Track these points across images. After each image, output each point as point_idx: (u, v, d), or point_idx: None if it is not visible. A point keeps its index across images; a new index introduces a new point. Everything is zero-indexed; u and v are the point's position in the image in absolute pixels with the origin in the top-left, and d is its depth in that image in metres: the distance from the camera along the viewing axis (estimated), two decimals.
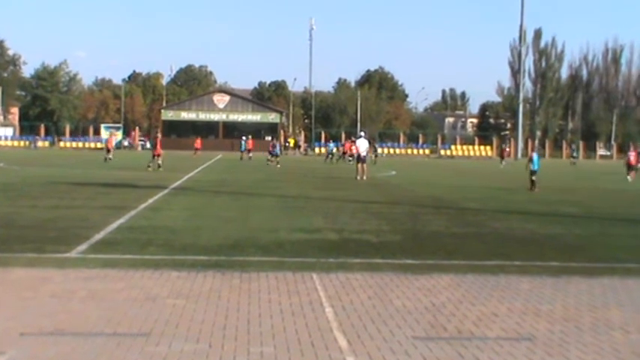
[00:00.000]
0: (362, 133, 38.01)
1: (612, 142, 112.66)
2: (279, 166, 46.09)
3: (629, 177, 38.30)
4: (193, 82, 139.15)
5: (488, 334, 6.72)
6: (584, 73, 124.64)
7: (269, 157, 50.64)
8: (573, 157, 74.40)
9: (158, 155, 36.85)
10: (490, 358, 5.95)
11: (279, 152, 53.02)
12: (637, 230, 16.03)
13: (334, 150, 61.55)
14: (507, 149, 76.47)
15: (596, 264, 10.95)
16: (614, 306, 8.02)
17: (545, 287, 8.94)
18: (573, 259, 11.24)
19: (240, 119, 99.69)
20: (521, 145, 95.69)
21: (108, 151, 49.81)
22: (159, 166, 35.94)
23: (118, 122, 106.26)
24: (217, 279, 8.85)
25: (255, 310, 7.34)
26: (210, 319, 6.96)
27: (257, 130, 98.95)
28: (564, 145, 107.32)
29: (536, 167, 28.28)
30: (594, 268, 10.53)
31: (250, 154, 58.86)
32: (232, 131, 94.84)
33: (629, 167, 39.44)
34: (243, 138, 61.62)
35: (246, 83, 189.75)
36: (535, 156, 29.14)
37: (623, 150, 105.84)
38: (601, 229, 15.95)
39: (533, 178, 28.04)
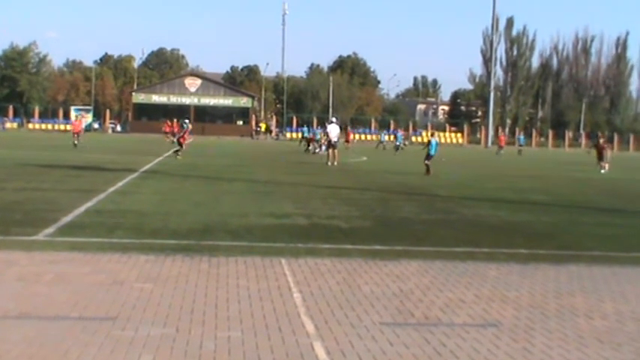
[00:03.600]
0: (333, 119, 38.00)
1: (581, 130, 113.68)
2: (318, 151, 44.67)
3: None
4: (165, 66, 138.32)
5: (455, 320, 6.77)
6: (555, 62, 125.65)
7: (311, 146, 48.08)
8: (499, 147, 65.91)
9: (181, 142, 35.33)
10: (456, 344, 5.99)
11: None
12: (603, 218, 16.20)
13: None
14: (503, 137, 74.05)
15: (564, 251, 11.06)
16: (579, 293, 8.12)
17: (512, 274, 9.02)
18: (541, 247, 11.35)
19: (211, 103, 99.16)
20: (491, 133, 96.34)
21: (75, 134, 44.46)
22: (177, 153, 34.25)
23: (89, 105, 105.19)
24: (186, 263, 8.82)
25: (223, 295, 7.33)
26: (178, 303, 6.93)
27: (229, 114, 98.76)
28: (534, 134, 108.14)
29: (433, 152, 28.28)
30: (561, 255, 10.64)
31: (174, 138, 51.56)
32: (204, 115, 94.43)
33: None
34: (186, 121, 55.75)
35: (219, 67, 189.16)
36: (433, 141, 29.04)
37: (591, 139, 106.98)
38: (569, 217, 16.12)
39: (427, 162, 28.06)
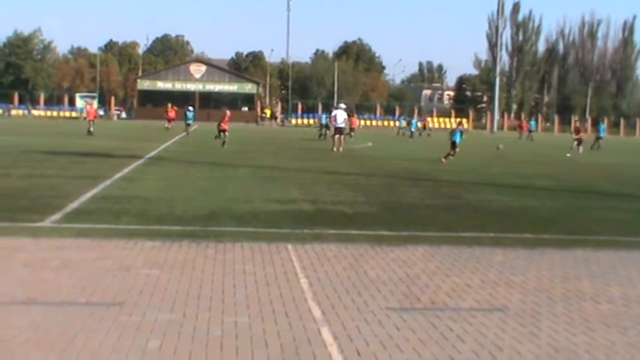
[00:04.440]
0: (342, 105, 37.78)
1: (587, 115, 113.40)
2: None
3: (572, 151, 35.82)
4: (170, 52, 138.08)
5: (461, 305, 6.77)
6: (561, 46, 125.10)
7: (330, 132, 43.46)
8: (521, 133, 66.89)
9: (224, 130, 33.69)
10: (463, 329, 5.99)
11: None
12: (609, 203, 16.17)
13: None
14: (525, 124, 72.24)
15: (569, 236, 11.05)
16: (586, 277, 8.11)
17: (518, 259, 9.01)
18: (547, 232, 11.34)
19: (216, 89, 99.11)
20: (497, 118, 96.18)
21: (91, 121, 43.49)
22: (223, 143, 32.67)
23: (94, 91, 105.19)
24: (192, 249, 8.83)
25: (230, 281, 7.34)
26: (185, 289, 6.94)
27: (234, 101, 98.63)
28: (540, 119, 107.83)
29: (457, 141, 27.53)
30: (567, 240, 10.63)
31: (169, 125, 50.35)
32: (209, 102, 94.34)
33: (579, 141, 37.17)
34: (190, 109, 49.83)
35: (223, 53, 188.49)
36: (459, 130, 28.35)
37: (596, 123, 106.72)
38: (574, 201, 16.10)
39: (452, 151, 27.37)
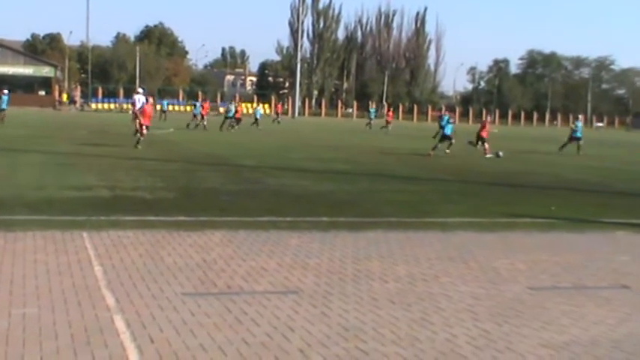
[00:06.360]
0: (140, 90, 37.19)
1: (384, 102, 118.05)
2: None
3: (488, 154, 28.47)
4: None
5: (256, 289, 6.91)
6: (359, 35, 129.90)
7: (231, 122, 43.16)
8: (387, 123, 59.35)
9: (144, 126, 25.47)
10: (257, 312, 6.13)
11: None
12: (400, 186, 16.98)
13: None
14: (391, 113, 70.44)
15: (363, 218, 11.53)
16: (376, 258, 8.51)
17: (314, 242, 9.30)
18: (342, 215, 11.76)
19: (10, 72, 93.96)
20: (298, 103, 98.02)
21: None
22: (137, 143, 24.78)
23: None
24: None
25: (20, 271, 7.07)
26: None
27: (29, 84, 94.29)
28: (339, 105, 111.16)
29: (448, 132, 28.77)
30: (360, 222, 11.10)
31: None
32: (2, 85, 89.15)
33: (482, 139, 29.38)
34: (5, 92, 45.81)
35: (18, 34, 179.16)
36: (445, 118, 30.05)
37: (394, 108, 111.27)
38: (369, 185, 16.76)
39: (437, 145, 28.48)
